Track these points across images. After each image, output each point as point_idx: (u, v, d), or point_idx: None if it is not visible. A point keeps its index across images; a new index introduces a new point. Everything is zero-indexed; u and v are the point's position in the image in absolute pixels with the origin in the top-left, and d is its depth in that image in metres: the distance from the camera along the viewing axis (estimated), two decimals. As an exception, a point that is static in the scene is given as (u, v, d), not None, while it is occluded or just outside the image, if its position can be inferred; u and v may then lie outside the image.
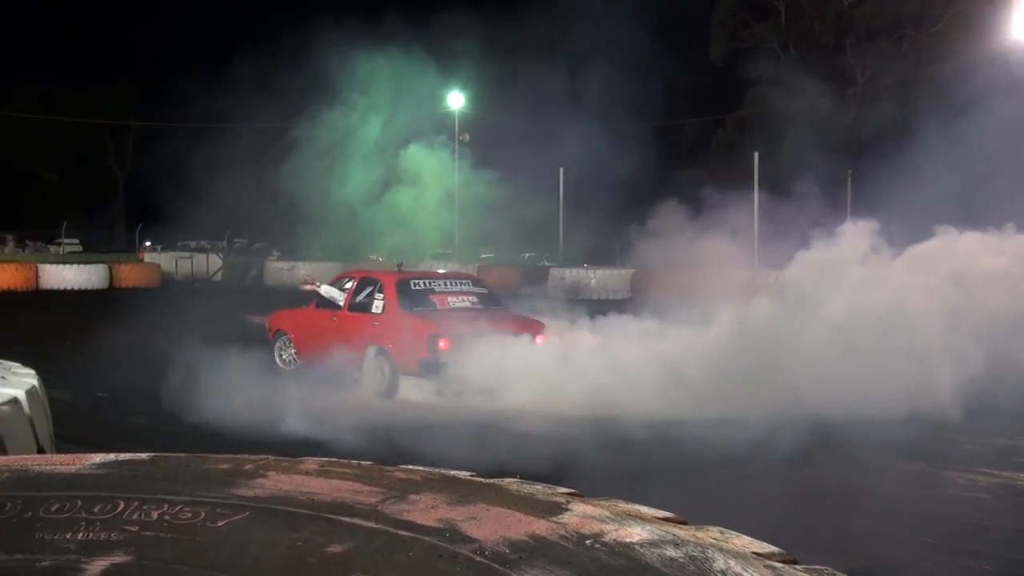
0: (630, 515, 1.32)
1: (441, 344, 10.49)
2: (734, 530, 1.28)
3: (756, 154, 27.15)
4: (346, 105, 26.33)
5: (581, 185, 32.00)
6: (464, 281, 12.47)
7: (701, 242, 11.63)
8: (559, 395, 9.83)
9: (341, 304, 11.93)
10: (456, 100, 35.48)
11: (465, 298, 11.76)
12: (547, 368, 10.23)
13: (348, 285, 12.08)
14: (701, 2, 45.62)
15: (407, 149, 27.09)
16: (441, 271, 14.87)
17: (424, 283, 11.92)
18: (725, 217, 12.22)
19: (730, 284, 11.47)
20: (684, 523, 1.31)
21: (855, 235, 11.24)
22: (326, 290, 12.26)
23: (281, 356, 12.22)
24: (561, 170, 33.46)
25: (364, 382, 11.01)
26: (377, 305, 11.47)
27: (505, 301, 12.26)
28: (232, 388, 9.23)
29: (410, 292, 11.55)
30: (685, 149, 41.76)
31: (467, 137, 32.71)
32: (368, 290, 11.77)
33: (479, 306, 11.62)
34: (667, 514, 1.35)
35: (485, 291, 12.32)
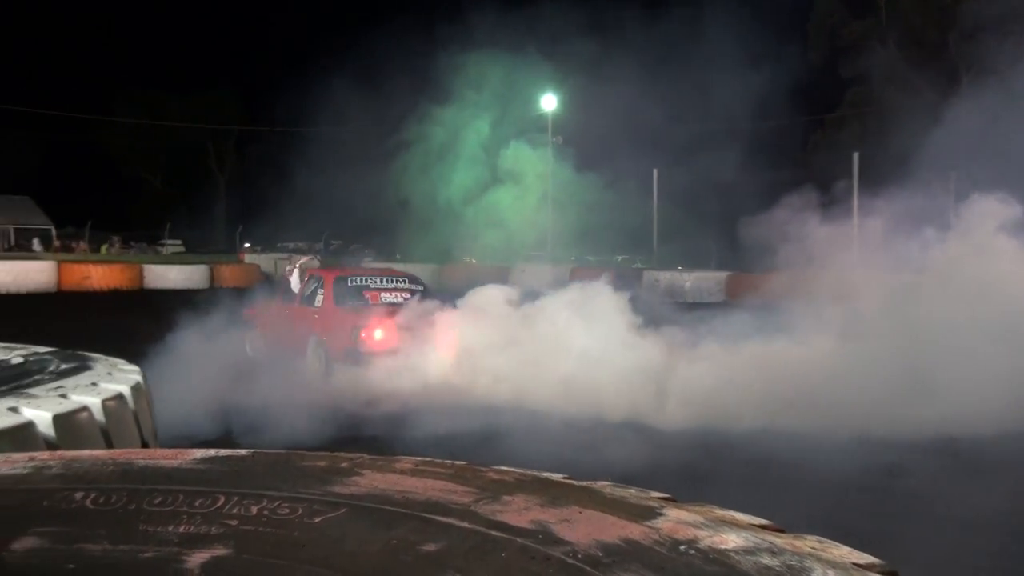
0: (725, 521, 1.30)
1: (363, 335, 11.50)
2: (833, 540, 1.25)
3: (856, 154, 26.55)
4: (444, 107, 26.50)
5: (676, 187, 31.68)
6: (400, 279, 13.59)
7: (802, 243, 11.39)
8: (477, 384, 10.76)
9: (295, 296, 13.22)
10: (549, 102, 35.48)
11: (397, 294, 12.83)
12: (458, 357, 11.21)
13: (304, 281, 13.37)
14: (799, 1, 44.83)
15: (507, 148, 27.15)
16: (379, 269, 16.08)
17: (360, 280, 13.10)
18: (824, 218, 11.92)
19: (834, 286, 11.19)
20: (781, 531, 1.29)
21: (987, 215, 10.66)
22: (294, 280, 13.57)
23: (251, 344, 13.15)
24: (655, 172, 33.18)
25: (308, 368, 11.98)
26: (319, 300, 12.70)
27: (442, 298, 12.78)
28: (192, 374, 9.81)
29: (345, 288, 12.74)
30: (783, 149, 41.05)
31: (560, 139, 32.66)
32: (314, 286, 13.03)
33: (411, 302, 12.42)
34: (763, 521, 1.33)
35: (420, 288, 13.34)
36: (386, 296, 12.75)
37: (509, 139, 27.81)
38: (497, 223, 26.82)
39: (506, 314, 11.83)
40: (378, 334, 11.51)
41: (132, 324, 11.19)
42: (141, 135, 65.22)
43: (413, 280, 13.75)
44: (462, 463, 1.54)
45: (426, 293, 13.06)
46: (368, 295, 12.76)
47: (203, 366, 10.41)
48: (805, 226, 11.54)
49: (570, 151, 29.37)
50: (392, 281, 13.32)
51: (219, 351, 11.53)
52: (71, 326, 16.29)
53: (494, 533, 1.24)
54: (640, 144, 28.49)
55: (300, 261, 14.79)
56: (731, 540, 1.20)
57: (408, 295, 12.83)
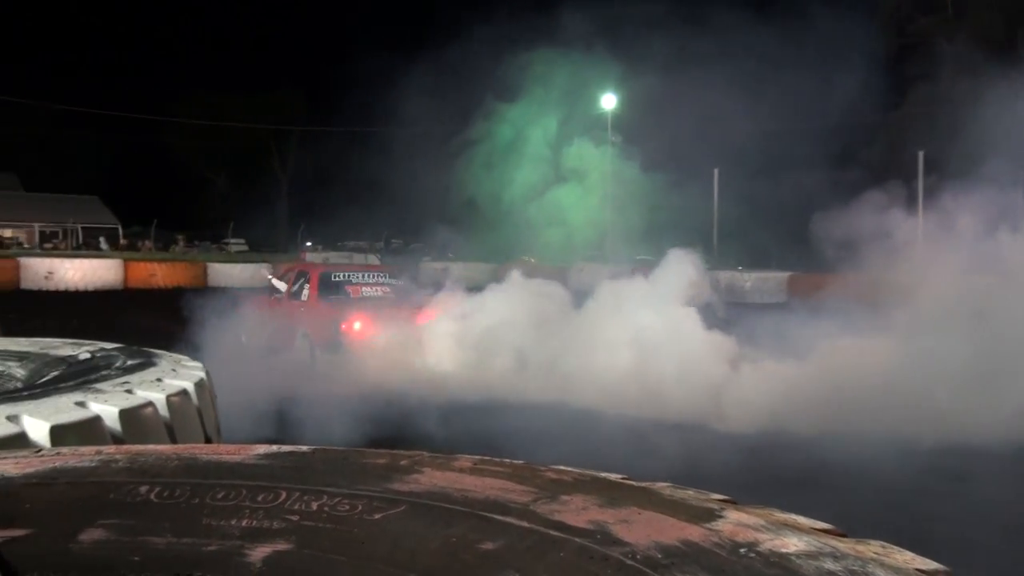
0: (786, 525, 1.28)
1: (343, 327, 12.13)
2: (897, 545, 1.22)
3: (921, 153, 26.09)
4: (505, 106, 26.47)
5: (737, 186, 31.32)
6: (380, 274, 14.49)
7: (869, 243, 11.18)
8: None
9: (283, 293, 14.16)
10: (609, 101, 35.25)
11: (377, 289, 13.68)
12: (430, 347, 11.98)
13: (290, 277, 14.44)
14: (864, -3, 44.08)
15: (569, 147, 27.05)
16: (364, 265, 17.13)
17: (343, 275, 13.96)
18: (891, 217, 11.68)
19: (900, 286, 10.98)
20: (844, 535, 1.27)
21: None
22: (275, 281, 14.70)
23: (247, 336, 13.83)
24: (716, 171, 32.87)
25: (296, 357, 12.76)
26: (305, 294, 13.53)
27: (418, 292, 13.82)
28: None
29: (329, 283, 13.54)
30: (846, 148, 40.37)
31: (619, 138, 32.48)
32: (301, 281, 13.89)
33: (389, 296, 13.46)
34: (825, 525, 1.31)
35: (399, 283, 14.22)
36: (366, 290, 13.56)
37: (570, 137, 27.73)
38: (557, 222, 26.75)
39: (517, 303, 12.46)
40: (357, 326, 12.20)
41: (191, 321, 11.62)
42: (205, 135, 66.27)
43: (393, 275, 14.71)
44: (520, 462, 1.54)
45: (404, 287, 14.06)
46: (349, 289, 13.57)
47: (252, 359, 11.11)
48: (872, 225, 11.33)
49: (632, 150, 29.18)
50: (374, 276, 14.16)
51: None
52: (137, 322, 16.68)
53: (552, 533, 1.23)
54: (701, 143, 28.22)
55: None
56: (792, 544, 1.19)
57: (387, 289, 13.75)
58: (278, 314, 13.69)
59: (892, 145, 40.51)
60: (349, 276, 13.91)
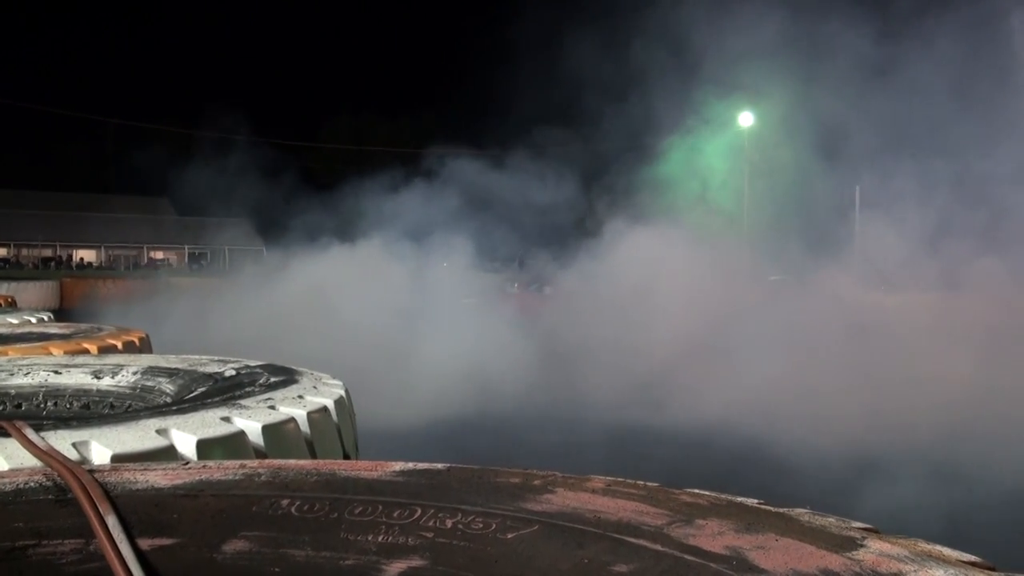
0: (931, 556, 1.23)
1: None
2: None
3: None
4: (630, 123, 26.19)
5: (880, 205, 30.21)
6: None
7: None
8: None
9: None
10: (746, 119, 34.63)
11: None
12: None
13: None
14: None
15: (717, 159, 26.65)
16: None
17: None
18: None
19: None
20: (992, 569, 1.21)
21: None
22: None
23: None
24: (857, 188, 31.80)
25: None
26: None
27: None
28: None
29: None
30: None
31: (756, 157, 31.89)
32: None
33: None
34: (972, 557, 1.25)
35: None
36: None
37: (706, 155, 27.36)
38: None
39: None
40: None
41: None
42: (347, 160, 68.26)
43: None
44: (654, 484, 1.53)
45: None
46: None
47: None
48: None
49: (763, 169, 28.60)
50: None
51: None
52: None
53: (687, 557, 1.22)
54: (841, 159, 27.33)
55: None
56: (938, 576, 1.14)
57: None
58: None
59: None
60: None
